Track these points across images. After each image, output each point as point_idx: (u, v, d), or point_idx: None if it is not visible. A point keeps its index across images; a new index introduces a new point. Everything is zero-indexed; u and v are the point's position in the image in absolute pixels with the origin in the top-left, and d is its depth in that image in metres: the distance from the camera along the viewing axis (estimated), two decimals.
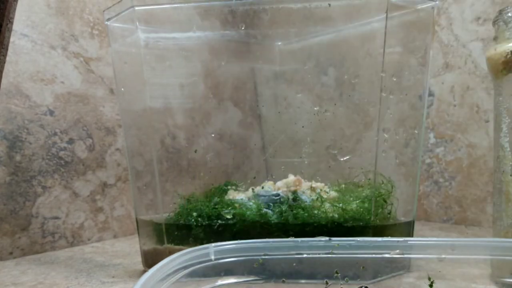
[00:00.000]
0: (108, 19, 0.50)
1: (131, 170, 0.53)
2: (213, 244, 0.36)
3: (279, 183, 0.51)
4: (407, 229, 0.49)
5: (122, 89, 0.53)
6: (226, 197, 0.50)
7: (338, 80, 0.62)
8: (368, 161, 0.47)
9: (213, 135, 0.63)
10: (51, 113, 0.62)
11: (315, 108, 0.58)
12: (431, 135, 0.80)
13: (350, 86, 0.58)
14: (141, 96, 0.49)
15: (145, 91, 0.48)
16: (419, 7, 0.47)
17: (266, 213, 0.46)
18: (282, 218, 0.45)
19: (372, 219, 0.45)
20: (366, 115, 0.54)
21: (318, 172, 0.55)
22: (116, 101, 0.70)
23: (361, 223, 0.45)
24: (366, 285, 0.37)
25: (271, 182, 0.51)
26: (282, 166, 0.57)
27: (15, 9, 0.40)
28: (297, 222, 0.45)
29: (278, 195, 0.48)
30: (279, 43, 0.66)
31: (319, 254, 0.37)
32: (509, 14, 0.41)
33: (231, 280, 0.37)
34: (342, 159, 0.54)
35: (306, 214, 0.45)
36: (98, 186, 0.68)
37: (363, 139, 0.56)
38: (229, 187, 0.53)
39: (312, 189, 0.49)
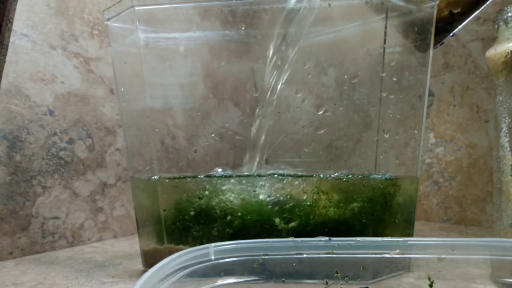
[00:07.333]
0: (108, 19, 0.50)
1: (131, 170, 0.53)
2: (213, 244, 0.36)
3: None
4: (407, 229, 0.49)
5: (122, 89, 0.53)
6: None
7: (338, 80, 0.62)
8: (368, 161, 0.47)
9: (213, 135, 0.63)
10: (51, 113, 0.62)
11: (315, 108, 0.58)
12: (431, 135, 0.80)
13: (350, 86, 0.58)
14: (141, 96, 0.49)
15: (145, 91, 0.48)
16: (419, 7, 0.47)
17: None
18: None
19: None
20: (366, 115, 0.54)
21: (318, 172, 0.55)
22: (116, 101, 0.70)
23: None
24: (366, 285, 0.37)
25: None
26: (282, 166, 0.57)
27: (15, 9, 0.40)
28: None
29: None
30: None
31: (319, 254, 0.37)
32: (509, 14, 0.41)
33: (231, 280, 0.37)
34: (342, 159, 0.54)
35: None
36: (98, 186, 0.68)
37: (363, 139, 0.56)
38: None
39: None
